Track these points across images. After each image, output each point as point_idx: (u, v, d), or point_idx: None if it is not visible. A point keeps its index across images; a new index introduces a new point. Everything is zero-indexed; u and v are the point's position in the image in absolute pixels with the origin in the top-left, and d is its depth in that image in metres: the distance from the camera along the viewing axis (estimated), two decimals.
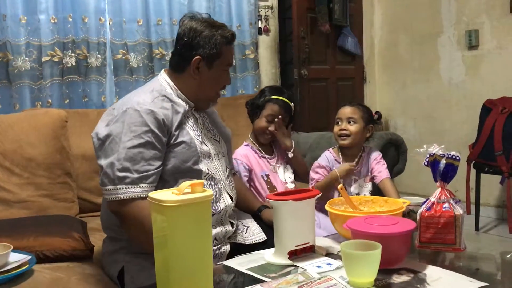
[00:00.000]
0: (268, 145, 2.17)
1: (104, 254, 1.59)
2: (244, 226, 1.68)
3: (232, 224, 1.60)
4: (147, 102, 1.45)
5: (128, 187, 1.38)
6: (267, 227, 1.69)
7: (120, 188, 1.38)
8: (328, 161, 2.08)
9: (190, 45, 1.53)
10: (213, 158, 1.57)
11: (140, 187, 1.39)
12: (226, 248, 1.55)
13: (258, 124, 2.11)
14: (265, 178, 2.08)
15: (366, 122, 2.06)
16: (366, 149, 2.12)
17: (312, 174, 2.09)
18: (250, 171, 2.07)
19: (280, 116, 2.06)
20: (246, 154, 2.09)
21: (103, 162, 1.42)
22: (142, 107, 1.43)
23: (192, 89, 1.56)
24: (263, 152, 2.13)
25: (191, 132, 1.52)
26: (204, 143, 1.55)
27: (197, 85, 1.56)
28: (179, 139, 1.48)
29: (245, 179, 2.02)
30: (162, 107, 1.47)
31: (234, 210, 1.68)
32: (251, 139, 2.16)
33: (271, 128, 2.08)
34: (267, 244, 1.59)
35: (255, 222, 1.72)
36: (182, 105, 1.53)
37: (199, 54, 1.52)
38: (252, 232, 1.66)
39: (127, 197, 1.38)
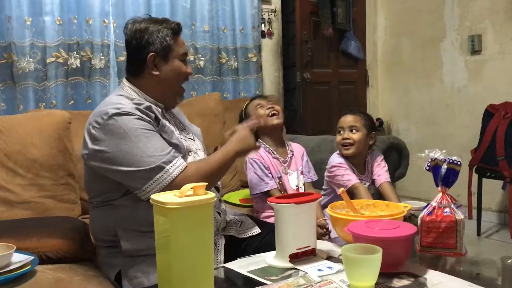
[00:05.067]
0: (283, 148, 2.11)
1: (100, 257, 1.59)
2: (238, 221, 1.70)
3: (219, 213, 1.61)
4: (127, 106, 1.44)
5: (173, 165, 1.38)
6: (260, 223, 1.72)
7: (167, 171, 1.37)
8: (344, 162, 2.05)
9: (140, 46, 1.52)
10: (193, 155, 1.59)
11: (180, 158, 1.40)
12: (222, 241, 1.56)
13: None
14: (277, 180, 2.04)
15: (369, 129, 2.03)
16: (369, 154, 2.11)
17: (340, 171, 2.02)
18: (267, 168, 2.02)
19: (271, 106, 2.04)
20: (259, 153, 2.02)
21: (123, 169, 1.37)
22: (126, 109, 1.41)
23: (156, 89, 1.56)
24: (275, 153, 2.07)
25: (175, 132, 1.54)
26: (185, 141, 1.58)
27: (160, 82, 1.55)
28: (172, 141, 1.48)
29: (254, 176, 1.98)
30: (139, 109, 1.47)
31: (221, 201, 1.70)
32: (263, 142, 2.09)
33: (268, 110, 2.04)
34: (261, 236, 1.62)
35: (249, 218, 1.74)
36: (155, 108, 1.52)
37: (152, 51, 1.51)
38: (246, 226, 1.68)
39: (179, 171, 1.37)
